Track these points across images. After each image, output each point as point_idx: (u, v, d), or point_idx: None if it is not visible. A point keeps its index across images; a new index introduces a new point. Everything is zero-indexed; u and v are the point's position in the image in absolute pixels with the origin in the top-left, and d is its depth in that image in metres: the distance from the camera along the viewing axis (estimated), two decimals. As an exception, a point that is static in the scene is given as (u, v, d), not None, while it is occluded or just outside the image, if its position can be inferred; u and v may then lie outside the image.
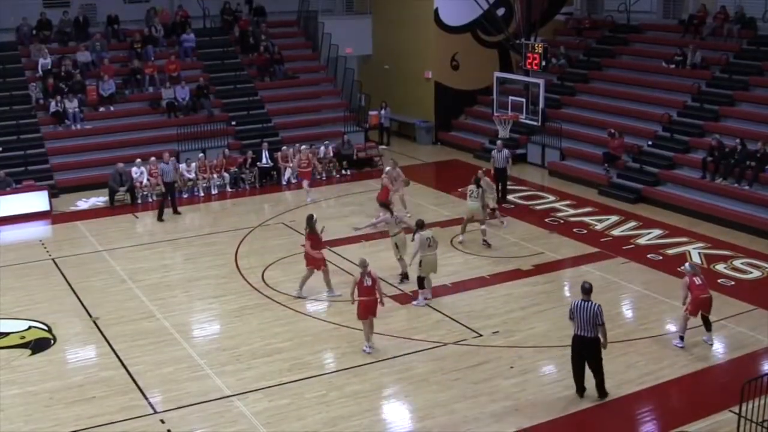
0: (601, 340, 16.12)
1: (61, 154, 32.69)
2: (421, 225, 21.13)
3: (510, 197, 29.88)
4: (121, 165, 29.77)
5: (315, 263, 21.32)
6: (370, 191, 29.85)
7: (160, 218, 28.10)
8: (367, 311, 18.38)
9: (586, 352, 16.23)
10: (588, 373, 16.45)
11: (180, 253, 25.14)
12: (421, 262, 20.84)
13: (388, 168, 27.74)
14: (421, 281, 21.06)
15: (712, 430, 15.39)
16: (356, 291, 18.46)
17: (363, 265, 18.41)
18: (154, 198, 30.14)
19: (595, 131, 33.91)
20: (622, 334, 19.36)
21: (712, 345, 18.75)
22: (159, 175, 28.80)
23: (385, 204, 25.04)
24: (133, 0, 39.25)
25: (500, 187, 29.50)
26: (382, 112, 38.93)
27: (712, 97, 32.10)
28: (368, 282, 18.28)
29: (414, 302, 21.14)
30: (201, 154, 32.20)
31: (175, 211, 28.73)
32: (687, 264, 19.69)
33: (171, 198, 28.60)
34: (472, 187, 25.07)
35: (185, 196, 30.93)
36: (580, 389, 16.53)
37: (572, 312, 16.14)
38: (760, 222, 26.24)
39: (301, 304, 21.23)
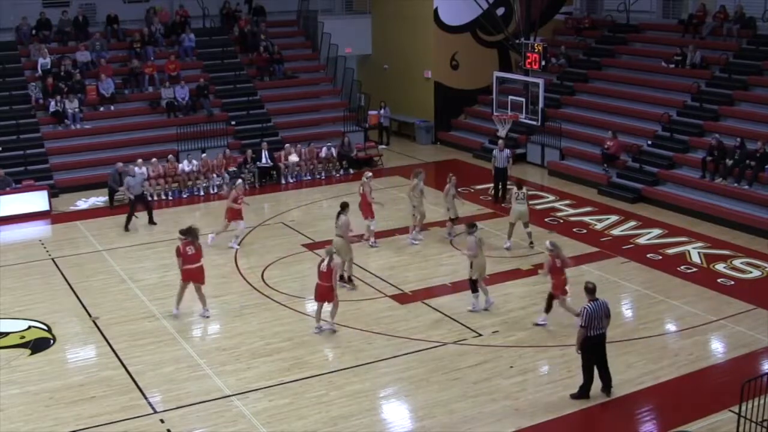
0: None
1: (61, 153, 32.70)
2: (472, 226, 20.73)
3: (510, 197, 29.83)
4: (120, 165, 29.71)
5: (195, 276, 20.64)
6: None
7: (126, 228, 27.36)
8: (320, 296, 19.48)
9: (600, 348, 16.40)
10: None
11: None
12: (472, 264, 20.43)
13: (369, 174, 26.93)
14: (474, 284, 20.62)
15: (711, 430, 15.39)
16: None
17: (329, 252, 19.40)
18: (155, 198, 30.22)
19: (594, 131, 33.91)
20: (622, 333, 19.36)
21: (542, 325, 19.63)
22: (126, 187, 27.95)
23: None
24: (132, 0, 39.23)
25: (500, 187, 29.58)
26: (381, 111, 38.93)
27: (711, 97, 32.09)
28: (323, 267, 19.19)
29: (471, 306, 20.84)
30: (203, 154, 32.21)
31: (151, 221, 27.91)
32: (548, 242, 20.17)
33: (147, 209, 27.94)
34: (517, 190, 24.96)
35: (185, 196, 30.95)
36: (588, 390, 16.57)
37: (590, 318, 16.06)
38: (760, 221, 26.25)
39: (301, 303, 21.23)
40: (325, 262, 19.17)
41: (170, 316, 20.54)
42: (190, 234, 20.47)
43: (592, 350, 16.31)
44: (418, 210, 25.59)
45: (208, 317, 20.45)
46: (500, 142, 30.20)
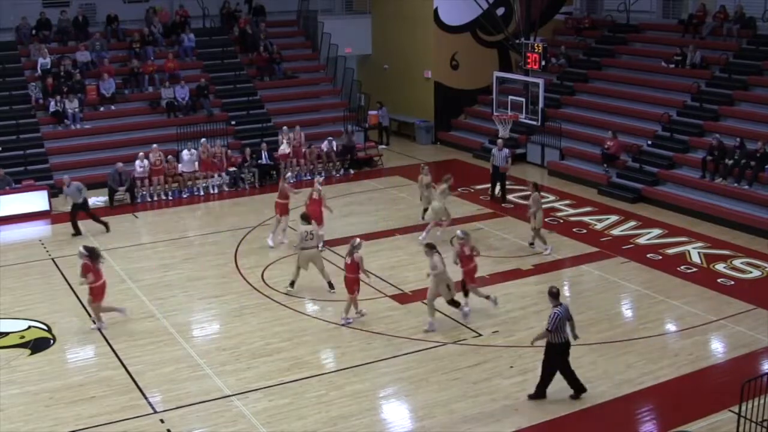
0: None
1: (61, 153, 32.70)
2: (432, 247, 19.76)
3: (510, 197, 29.86)
4: (120, 165, 29.76)
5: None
6: (370, 191, 29.87)
7: (75, 232, 27.00)
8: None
9: (565, 356, 16.37)
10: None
11: (180, 253, 25.12)
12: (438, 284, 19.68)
13: (318, 182, 26.63)
14: (455, 303, 20.15)
15: (711, 430, 15.39)
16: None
17: (353, 245, 19.98)
18: (155, 198, 30.29)
19: (594, 131, 33.91)
20: (622, 333, 19.39)
21: (466, 315, 20.12)
22: (65, 196, 27.67)
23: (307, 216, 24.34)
24: (132, 0, 39.22)
25: (499, 186, 29.59)
26: (378, 112, 38.87)
27: (711, 97, 32.08)
28: (348, 260, 19.98)
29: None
30: (203, 139, 32.36)
31: (100, 224, 27.36)
32: (459, 231, 20.62)
33: (90, 217, 27.39)
34: (538, 193, 24.59)
35: (185, 195, 30.96)
36: (581, 387, 16.59)
37: (559, 322, 15.95)
38: (760, 221, 26.25)
39: (301, 303, 21.25)
40: (349, 255, 19.97)
41: (170, 315, 20.54)
42: (92, 255, 19.93)
43: (556, 358, 16.21)
44: (442, 213, 25.63)
45: (98, 329, 20.03)
46: (499, 141, 30.21)
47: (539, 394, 16.44)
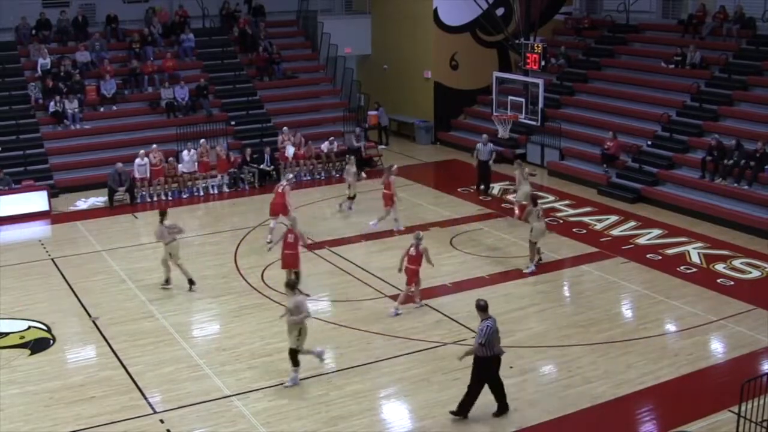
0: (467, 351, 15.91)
1: (61, 153, 32.70)
2: (293, 286, 17.49)
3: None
4: (120, 165, 29.77)
5: None
6: (369, 191, 29.79)
7: None
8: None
9: (496, 371, 15.80)
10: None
11: (180, 253, 25.05)
12: (300, 330, 17.02)
13: (289, 176, 27.85)
14: (295, 356, 17.31)
15: (711, 430, 15.40)
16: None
17: (417, 237, 20.41)
18: (155, 198, 30.31)
19: (594, 131, 33.93)
20: (621, 334, 19.40)
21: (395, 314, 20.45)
22: None
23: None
24: (132, 0, 39.22)
25: (483, 180, 30.08)
26: (377, 112, 38.78)
27: (711, 97, 32.10)
28: (412, 252, 20.30)
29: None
30: (202, 140, 32.36)
31: None
32: (418, 232, 21.14)
33: None
34: (533, 207, 23.65)
35: (185, 196, 30.96)
36: (505, 406, 16.09)
37: (491, 335, 15.33)
38: (760, 222, 26.26)
39: (301, 303, 21.24)
40: (414, 247, 20.25)
41: (170, 315, 20.54)
42: None
43: (486, 373, 15.66)
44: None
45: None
46: (484, 136, 30.84)
47: (462, 411, 15.84)
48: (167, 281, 22.35)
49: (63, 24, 36.75)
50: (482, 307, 15.64)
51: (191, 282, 22.16)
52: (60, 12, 36.99)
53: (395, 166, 27.38)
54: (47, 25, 36.54)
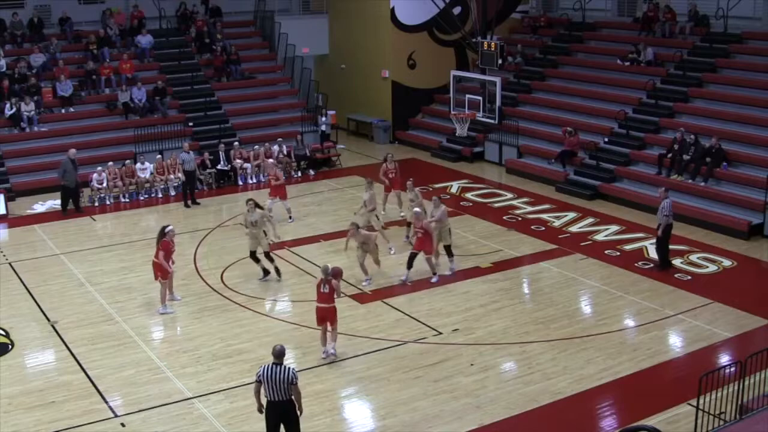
0: (296, 403, 14.12)
1: (17, 156, 32.35)
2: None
3: (469, 195, 30.14)
4: (73, 151, 29.68)
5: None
6: (329, 191, 29.84)
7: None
8: (321, 318, 18.29)
9: (284, 418, 14.10)
10: None
11: (138, 255, 24.89)
12: None
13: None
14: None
15: (670, 423, 15.55)
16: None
17: (325, 272, 18.11)
18: (112, 201, 30.11)
19: (552, 128, 34.12)
20: (581, 330, 19.57)
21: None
22: None
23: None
24: (88, 1, 38.90)
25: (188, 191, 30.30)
26: (323, 119, 37.33)
27: (666, 94, 32.41)
28: (325, 289, 18.09)
29: None
30: (158, 156, 32.04)
31: None
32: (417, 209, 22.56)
33: None
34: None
35: (143, 198, 30.75)
36: None
37: (259, 377, 13.92)
38: (716, 217, 26.53)
39: (261, 305, 21.22)
40: (325, 285, 18.07)
41: (130, 318, 20.42)
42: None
43: (273, 418, 14.12)
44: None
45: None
46: (185, 144, 30.96)
47: None
48: (268, 272, 22.80)
49: (16, 26, 36.35)
50: (277, 354, 14.04)
51: (278, 272, 22.78)
52: (12, 14, 36.53)
53: (391, 154, 28.94)
54: (2, 26, 36.12)
